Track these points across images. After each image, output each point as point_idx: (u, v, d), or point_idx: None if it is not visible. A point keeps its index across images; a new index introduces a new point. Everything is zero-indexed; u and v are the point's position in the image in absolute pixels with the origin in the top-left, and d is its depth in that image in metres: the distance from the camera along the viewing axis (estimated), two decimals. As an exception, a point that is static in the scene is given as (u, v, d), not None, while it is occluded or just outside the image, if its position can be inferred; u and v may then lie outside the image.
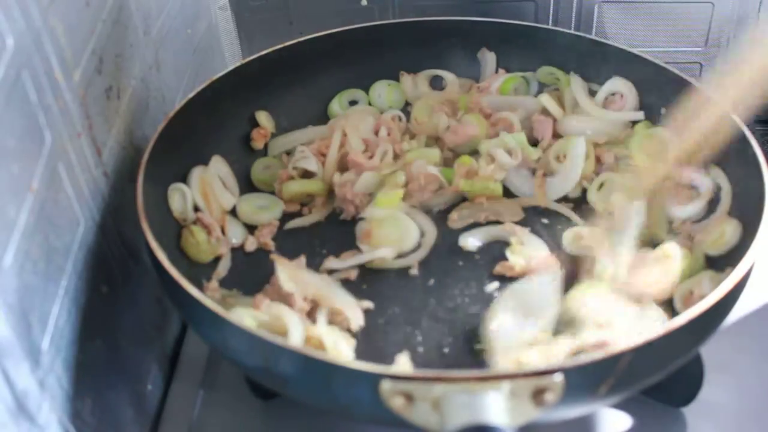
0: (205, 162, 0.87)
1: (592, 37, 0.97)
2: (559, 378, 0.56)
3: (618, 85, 0.93)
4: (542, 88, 0.99)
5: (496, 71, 1.01)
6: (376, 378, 0.57)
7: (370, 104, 1.00)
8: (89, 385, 0.67)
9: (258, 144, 0.94)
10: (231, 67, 0.90)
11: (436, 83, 1.02)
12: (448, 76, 1.01)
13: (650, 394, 0.77)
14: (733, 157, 0.79)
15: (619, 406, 0.78)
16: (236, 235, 0.85)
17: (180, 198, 0.82)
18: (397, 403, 0.56)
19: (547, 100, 0.95)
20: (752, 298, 0.86)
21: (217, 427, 0.80)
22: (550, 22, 1.11)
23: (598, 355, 0.58)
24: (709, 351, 0.74)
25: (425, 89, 1.01)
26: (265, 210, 0.88)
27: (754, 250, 0.67)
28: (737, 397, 0.80)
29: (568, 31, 0.98)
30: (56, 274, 0.63)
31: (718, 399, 0.79)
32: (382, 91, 1.00)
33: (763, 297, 0.88)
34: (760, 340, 0.85)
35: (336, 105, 0.99)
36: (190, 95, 0.85)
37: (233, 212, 0.87)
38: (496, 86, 0.98)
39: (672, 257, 0.75)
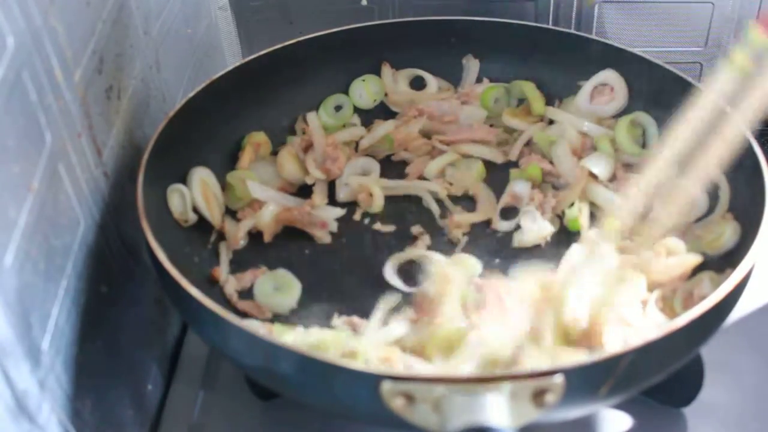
0: (205, 162, 0.87)
1: (592, 36, 0.97)
2: (559, 379, 0.56)
3: (609, 77, 0.93)
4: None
5: (481, 80, 1.01)
6: (376, 379, 0.57)
7: (354, 107, 0.99)
8: (89, 385, 0.67)
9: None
10: (231, 67, 0.90)
11: (417, 84, 1.01)
12: (429, 78, 1.01)
13: (650, 394, 0.77)
14: (732, 157, 0.79)
15: (620, 406, 0.78)
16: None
17: (179, 198, 0.82)
18: (397, 403, 0.56)
19: (507, 119, 0.96)
20: (752, 298, 0.86)
21: (217, 427, 0.80)
22: (550, 21, 1.11)
23: (598, 356, 0.58)
24: (710, 351, 0.74)
25: (404, 88, 1.01)
26: (281, 293, 0.80)
27: (754, 251, 0.67)
28: (737, 397, 0.80)
29: (566, 30, 0.98)
30: (56, 274, 0.63)
31: (719, 399, 0.79)
32: (361, 89, 1.00)
33: (763, 297, 0.88)
34: (760, 340, 0.85)
35: (322, 113, 0.98)
36: (190, 95, 0.85)
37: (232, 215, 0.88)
38: (476, 95, 0.99)
39: (678, 250, 0.76)
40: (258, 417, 0.80)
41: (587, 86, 0.94)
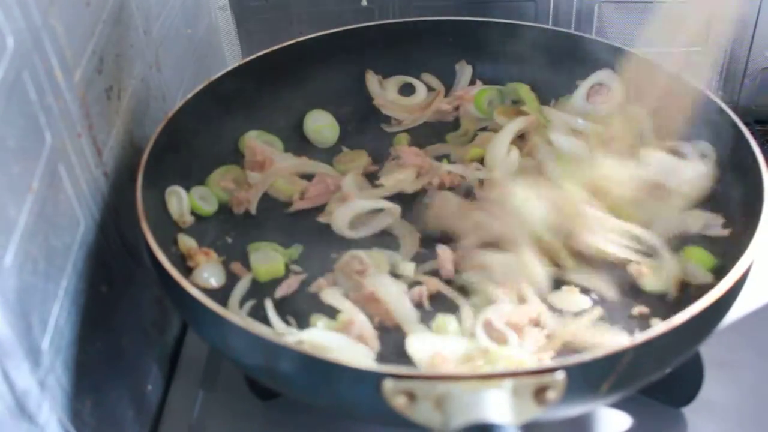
0: (205, 162, 0.87)
1: (591, 36, 0.97)
2: (561, 376, 0.56)
3: (605, 76, 0.93)
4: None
5: (474, 82, 1.01)
6: (378, 377, 0.57)
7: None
8: (89, 385, 0.67)
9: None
10: (231, 67, 0.91)
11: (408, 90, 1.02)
12: (418, 85, 1.01)
13: (650, 393, 0.77)
14: (731, 156, 0.79)
15: (619, 405, 0.78)
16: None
17: (177, 201, 0.82)
18: (399, 402, 0.56)
19: (499, 118, 0.96)
20: (751, 296, 0.86)
21: (217, 427, 0.80)
22: (550, 21, 1.11)
23: (599, 353, 0.58)
24: (710, 350, 0.75)
25: (393, 95, 1.01)
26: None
27: (753, 249, 0.67)
28: (737, 396, 0.80)
29: (565, 30, 0.98)
30: (56, 274, 0.63)
31: (718, 398, 0.79)
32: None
33: (762, 296, 0.88)
34: (759, 338, 0.85)
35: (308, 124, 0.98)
36: (190, 95, 0.85)
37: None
38: (470, 97, 0.99)
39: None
40: (258, 417, 0.80)
41: (584, 86, 0.94)
